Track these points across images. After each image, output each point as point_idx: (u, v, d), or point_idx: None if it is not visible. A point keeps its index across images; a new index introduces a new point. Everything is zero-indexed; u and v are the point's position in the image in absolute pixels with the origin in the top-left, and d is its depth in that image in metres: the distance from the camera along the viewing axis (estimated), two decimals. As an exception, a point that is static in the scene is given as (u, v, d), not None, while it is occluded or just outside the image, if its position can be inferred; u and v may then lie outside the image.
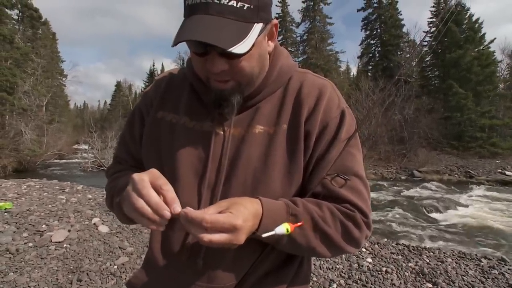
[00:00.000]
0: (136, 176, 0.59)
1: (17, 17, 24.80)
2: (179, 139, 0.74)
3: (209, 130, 0.73)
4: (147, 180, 0.58)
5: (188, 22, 0.59)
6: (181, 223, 0.56)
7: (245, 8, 0.58)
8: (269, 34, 0.69)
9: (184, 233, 0.71)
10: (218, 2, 0.57)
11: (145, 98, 0.85)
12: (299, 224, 0.62)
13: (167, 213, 0.55)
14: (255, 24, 0.61)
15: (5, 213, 4.69)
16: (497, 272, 3.38)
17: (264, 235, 0.59)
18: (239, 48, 0.57)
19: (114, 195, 0.75)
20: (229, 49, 0.56)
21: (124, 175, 0.79)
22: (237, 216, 0.56)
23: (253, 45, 0.61)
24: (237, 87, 0.67)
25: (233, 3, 0.57)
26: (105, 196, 0.85)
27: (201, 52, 0.63)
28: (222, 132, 0.72)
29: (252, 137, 0.71)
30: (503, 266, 3.53)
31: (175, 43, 0.58)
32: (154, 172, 0.61)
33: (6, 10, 21.86)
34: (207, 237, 0.54)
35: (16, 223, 4.28)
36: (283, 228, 0.59)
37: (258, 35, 0.62)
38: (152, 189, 0.57)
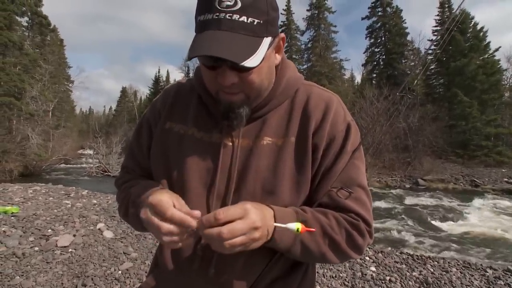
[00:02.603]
0: (153, 198, 0.62)
1: (26, 24, 25.28)
2: (187, 150, 0.76)
3: (218, 141, 0.74)
4: (166, 199, 0.62)
5: (201, 37, 0.61)
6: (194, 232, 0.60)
7: (255, 23, 0.61)
8: (276, 47, 0.71)
9: (194, 241, 0.72)
10: (229, 18, 0.59)
11: (153, 109, 0.86)
12: (311, 229, 0.64)
13: (193, 222, 0.59)
14: (264, 38, 0.63)
15: (12, 217, 4.75)
16: (503, 283, 3.35)
17: (276, 224, 0.62)
18: (250, 62, 0.59)
19: (129, 205, 0.77)
20: (242, 63, 0.58)
21: (135, 184, 0.81)
22: (253, 220, 0.59)
23: (263, 58, 0.63)
24: (246, 99, 0.69)
25: (244, 18, 0.60)
26: (118, 207, 0.87)
27: (213, 65, 0.65)
28: (230, 143, 0.74)
29: (260, 148, 0.72)
30: (509, 277, 3.49)
31: (190, 58, 0.60)
32: (168, 191, 0.66)
33: (17, 17, 22.33)
34: (228, 243, 0.57)
35: (23, 227, 4.33)
36: (294, 226, 0.61)
37: (267, 49, 0.64)
38: (173, 207, 0.61)
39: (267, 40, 0.64)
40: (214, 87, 0.69)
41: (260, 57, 0.61)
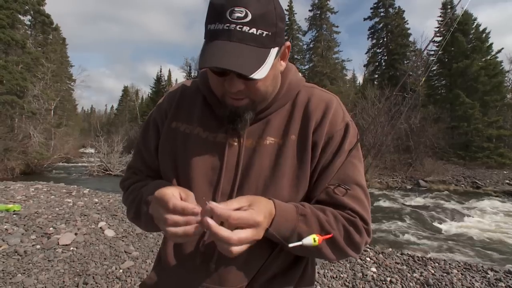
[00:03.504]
0: (158, 192, 0.62)
1: (29, 23, 25.37)
2: (193, 149, 0.78)
3: (223, 141, 0.77)
4: (170, 191, 0.62)
5: (212, 47, 0.62)
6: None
7: (264, 35, 0.63)
8: (282, 55, 0.73)
9: (197, 238, 0.73)
10: (240, 30, 0.61)
11: (159, 109, 0.88)
12: (328, 236, 0.65)
13: (196, 209, 0.58)
14: (272, 49, 0.65)
15: (14, 215, 4.76)
16: (504, 285, 3.34)
17: (291, 245, 0.63)
18: (258, 74, 0.62)
19: (141, 205, 0.77)
20: (250, 76, 0.61)
21: (146, 184, 0.81)
22: (258, 212, 0.60)
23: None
24: (251, 104, 0.72)
25: (253, 31, 0.61)
26: (126, 209, 0.86)
27: (220, 72, 0.67)
28: (235, 144, 0.76)
29: (263, 148, 0.75)
30: (510, 279, 3.49)
31: (201, 68, 0.63)
32: (178, 186, 0.66)
33: (19, 16, 22.41)
34: (236, 235, 0.55)
35: (25, 225, 4.34)
36: (310, 239, 0.62)
37: (274, 59, 0.66)
38: (176, 198, 0.61)
39: (274, 51, 0.66)
40: (220, 92, 0.72)
41: (267, 68, 0.63)
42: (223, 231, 0.55)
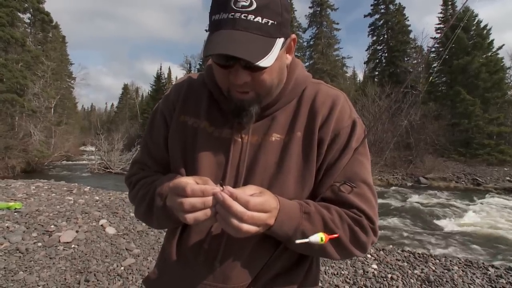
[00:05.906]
0: (173, 182, 0.62)
1: (29, 21, 25.31)
2: (199, 144, 0.77)
3: (228, 137, 0.76)
4: (185, 179, 0.61)
5: (217, 36, 0.61)
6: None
7: (269, 24, 0.62)
8: (287, 47, 0.72)
9: (201, 236, 0.74)
10: (245, 18, 0.60)
11: (166, 101, 0.86)
12: (334, 236, 0.65)
13: (216, 189, 0.57)
14: (278, 39, 0.64)
15: (15, 213, 4.78)
16: (504, 282, 3.35)
17: (297, 241, 0.63)
18: (264, 62, 0.61)
19: (155, 199, 0.74)
20: (256, 63, 0.60)
21: (157, 179, 0.79)
22: (273, 197, 0.63)
23: (276, 59, 0.64)
24: (257, 97, 0.70)
25: (259, 19, 0.61)
26: (135, 206, 0.82)
27: (225, 64, 0.66)
28: (240, 140, 0.75)
29: (269, 145, 0.74)
30: (511, 275, 3.49)
31: (206, 56, 0.61)
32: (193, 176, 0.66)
33: (19, 14, 22.37)
34: (249, 214, 0.56)
35: (26, 223, 4.36)
36: (318, 237, 0.62)
37: (280, 49, 0.65)
38: (193, 183, 0.60)
39: (280, 41, 0.65)
40: (226, 85, 0.70)
41: (273, 57, 0.62)
42: (238, 205, 0.55)
